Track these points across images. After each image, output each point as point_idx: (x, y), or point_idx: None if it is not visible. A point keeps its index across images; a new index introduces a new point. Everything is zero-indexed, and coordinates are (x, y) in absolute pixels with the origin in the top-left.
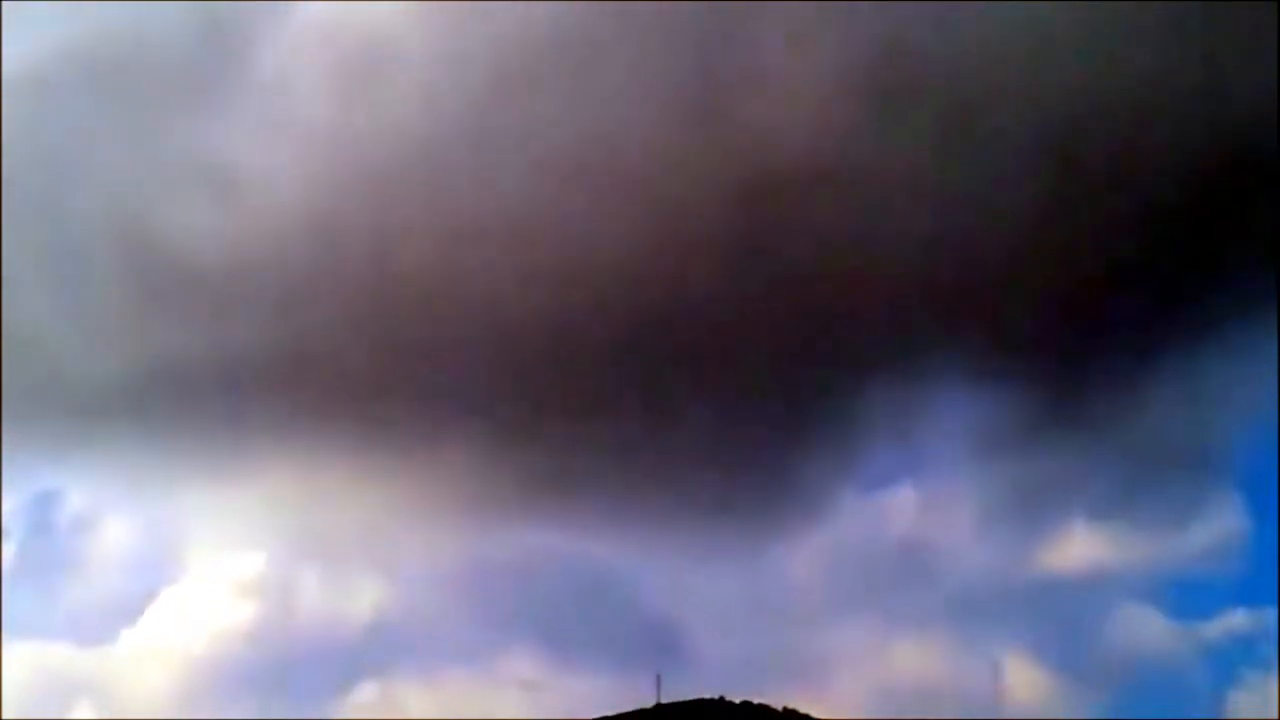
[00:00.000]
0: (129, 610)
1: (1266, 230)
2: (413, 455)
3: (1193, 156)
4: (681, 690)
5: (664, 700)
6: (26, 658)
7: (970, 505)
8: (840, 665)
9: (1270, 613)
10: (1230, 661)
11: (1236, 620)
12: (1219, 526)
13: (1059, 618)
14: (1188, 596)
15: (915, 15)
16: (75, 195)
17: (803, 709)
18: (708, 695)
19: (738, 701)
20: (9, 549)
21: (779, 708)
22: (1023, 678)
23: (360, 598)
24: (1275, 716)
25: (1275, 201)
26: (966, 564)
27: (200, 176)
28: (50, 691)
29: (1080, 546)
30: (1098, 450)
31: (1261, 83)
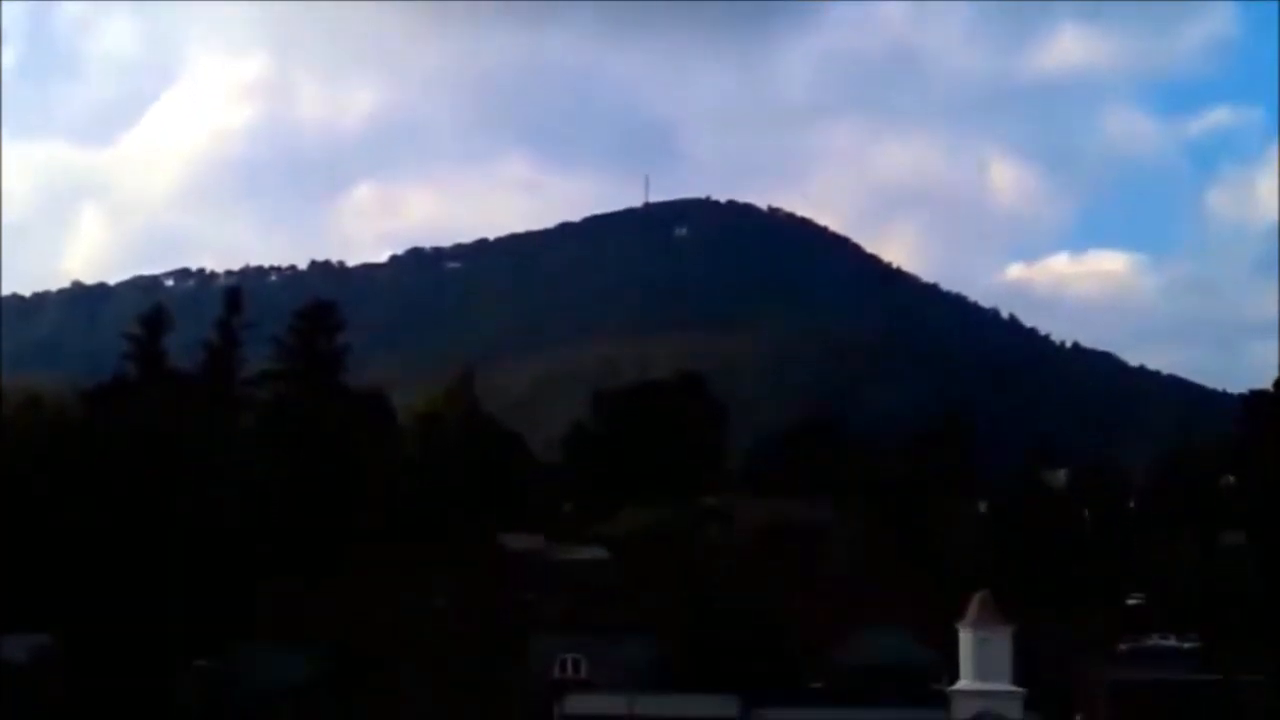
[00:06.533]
0: (130, 112)
1: None
2: None
3: None
4: (669, 190)
5: (651, 200)
6: (28, 158)
7: (960, 8)
8: (827, 166)
9: (1256, 111)
10: (1213, 158)
11: (1221, 117)
12: (1208, 27)
13: (1046, 117)
14: (1174, 95)
15: None
16: None
17: (788, 209)
18: (694, 195)
19: (724, 201)
20: (8, 52)
21: (764, 206)
22: (1009, 176)
23: (357, 101)
24: (1252, 211)
25: None
26: (955, 67)
27: None
28: (54, 191)
29: (1069, 47)
30: None
31: None
